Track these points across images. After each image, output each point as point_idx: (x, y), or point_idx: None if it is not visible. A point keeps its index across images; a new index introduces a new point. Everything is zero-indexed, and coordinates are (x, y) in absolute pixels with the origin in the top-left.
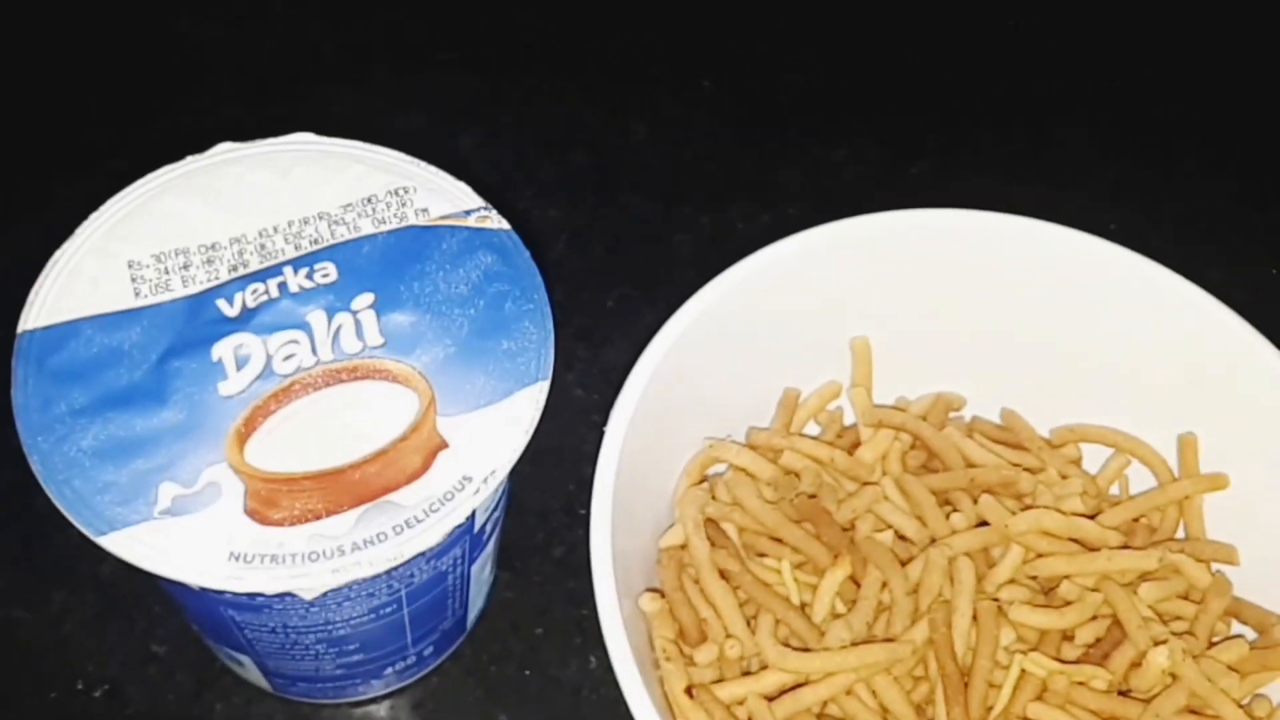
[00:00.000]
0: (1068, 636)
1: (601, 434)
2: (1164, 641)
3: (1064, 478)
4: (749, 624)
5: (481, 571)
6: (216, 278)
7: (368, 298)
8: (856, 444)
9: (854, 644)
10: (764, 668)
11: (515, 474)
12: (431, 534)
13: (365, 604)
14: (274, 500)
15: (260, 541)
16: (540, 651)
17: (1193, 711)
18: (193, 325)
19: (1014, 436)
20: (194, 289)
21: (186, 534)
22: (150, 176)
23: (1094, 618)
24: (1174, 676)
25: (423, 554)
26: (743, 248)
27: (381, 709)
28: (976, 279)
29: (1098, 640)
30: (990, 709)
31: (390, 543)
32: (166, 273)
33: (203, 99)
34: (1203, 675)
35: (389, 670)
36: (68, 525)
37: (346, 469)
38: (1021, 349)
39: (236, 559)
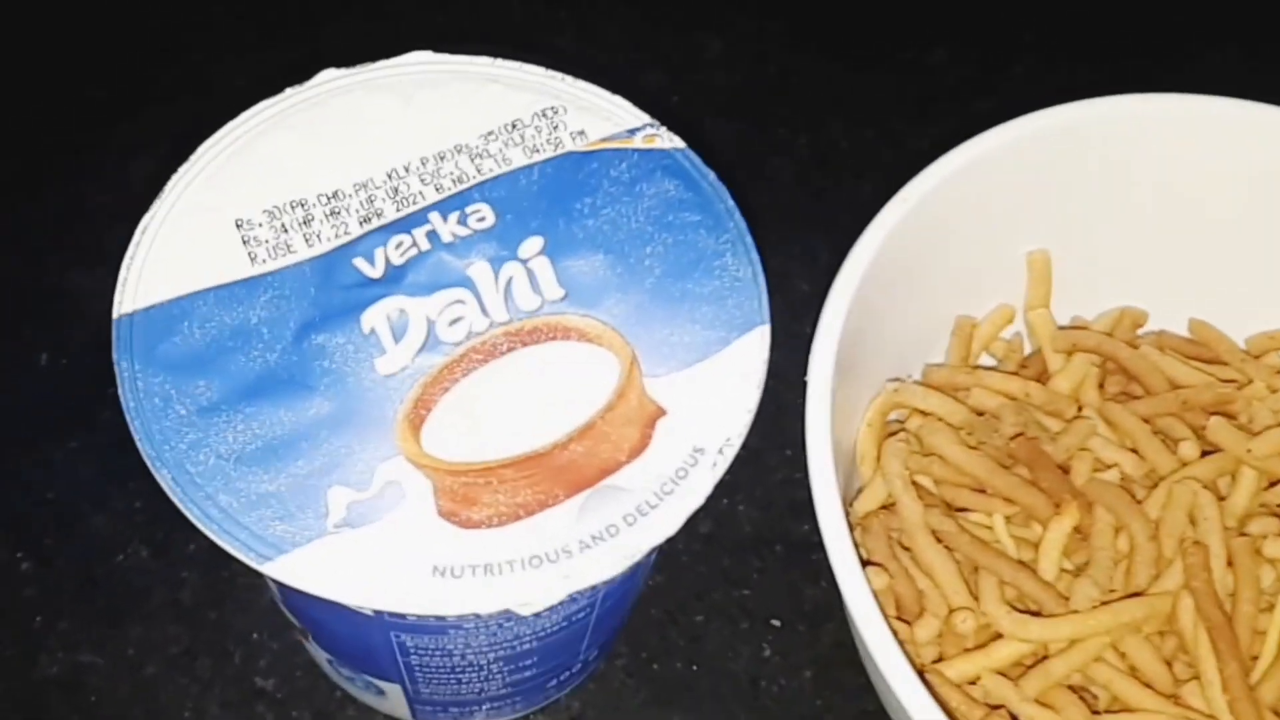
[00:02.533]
0: None
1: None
2: None
3: (1272, 391)
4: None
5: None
6: (347, 232)
7: (536, 242)
8: (1043, 374)
9: (1102, 603)
10: (993, 639)
11: None
12: (670, 520)
13: (563, 611)
14: (472, 497)
15: (467, 549)
16: (705, 642)
17: None
18: (328, 292)
19: (1208, 350)
20: (321, 248)
21: (375, 549)
22: (245, 115)
23: None
24: None
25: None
26: (851, 168)
27: None
28: (1146, 173)
29: None
30: (1254, 659)
31: (624, 536)
32: (284, 230)
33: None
34: None
35: (552, 683)
36: (128, 544)
37: (552, 450)
38: (1202, 250)
39: (442, 574)
